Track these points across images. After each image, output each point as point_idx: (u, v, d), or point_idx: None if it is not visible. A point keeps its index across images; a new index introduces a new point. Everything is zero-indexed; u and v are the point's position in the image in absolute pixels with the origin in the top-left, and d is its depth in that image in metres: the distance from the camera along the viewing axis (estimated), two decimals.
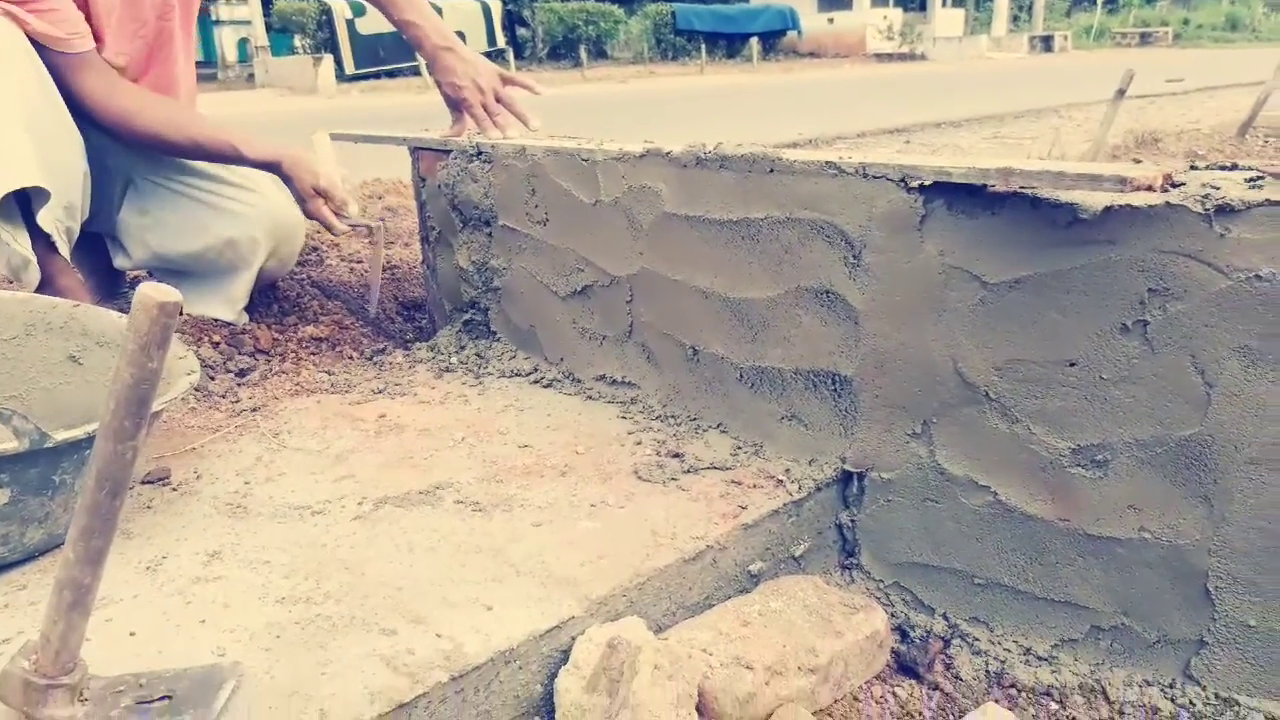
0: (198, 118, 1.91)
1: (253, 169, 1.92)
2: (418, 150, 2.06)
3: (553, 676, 1.05)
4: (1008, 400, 1.19)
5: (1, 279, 2.20)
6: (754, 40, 23.38)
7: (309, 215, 1.91)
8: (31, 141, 1.60)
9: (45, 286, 1.69)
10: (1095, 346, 1.11)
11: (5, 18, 1.64)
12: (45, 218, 1.64)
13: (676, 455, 1.44)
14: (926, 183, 1.20)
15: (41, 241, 1.67)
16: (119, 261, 2.07)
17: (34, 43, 1.68)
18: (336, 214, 1.90)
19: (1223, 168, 1.20)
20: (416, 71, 15.66)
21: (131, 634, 1.01)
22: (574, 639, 1.05)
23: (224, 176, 2.02)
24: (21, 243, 1.63)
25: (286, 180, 1.88)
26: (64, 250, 1.72)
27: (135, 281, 2.35)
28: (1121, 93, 3.89)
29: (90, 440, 1.11)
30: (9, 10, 1.65)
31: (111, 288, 2.16)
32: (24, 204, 1.64)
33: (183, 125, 1.86)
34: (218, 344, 1.89)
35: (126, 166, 1.98)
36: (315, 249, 2.55)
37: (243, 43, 21.75)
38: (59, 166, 1.68)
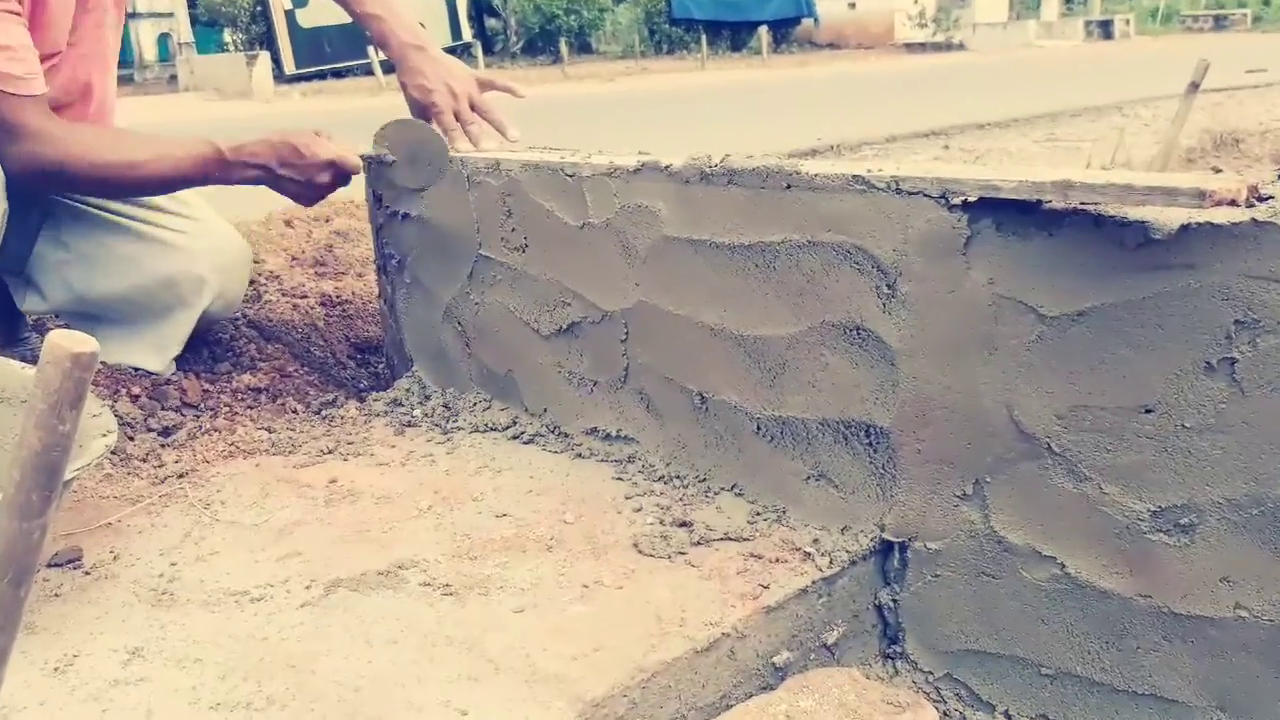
0: (162, 137, 1.89)
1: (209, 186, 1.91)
2: (374, 165, 2.07)
3: None
4: (1074, 454, 1.19)
5: None
6: (763, 30, 23.67)
7: (323, 162, 1.84)
8: None
9: None
10: (1175, 389, 1.11)
11: None
12: None
13: (683, 524, 1.44)
14: (971, 199, 1.21)
15: None
16: (30, 304, 2.07)
17: None
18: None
19: None
20: (368, 70, 15.82)
21: None
22: None
23: (160, 204, 2.03)
24: None
25: (285, 155, 1.83)
26: None
27: (38, 324, 2.35)
28: (1195, 86, 3.94)
29: None
30: None
31: (10, 334, 2.16)
32: None
33: (150, 141, 1.85)
34: (137, 398, 1.90)
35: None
36: (251, 282, 2.56)
37: (163, 39, 21.98)
38: None
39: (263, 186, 1.87)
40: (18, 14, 1.75)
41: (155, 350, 1.99)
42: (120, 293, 1.98)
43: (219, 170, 1.84)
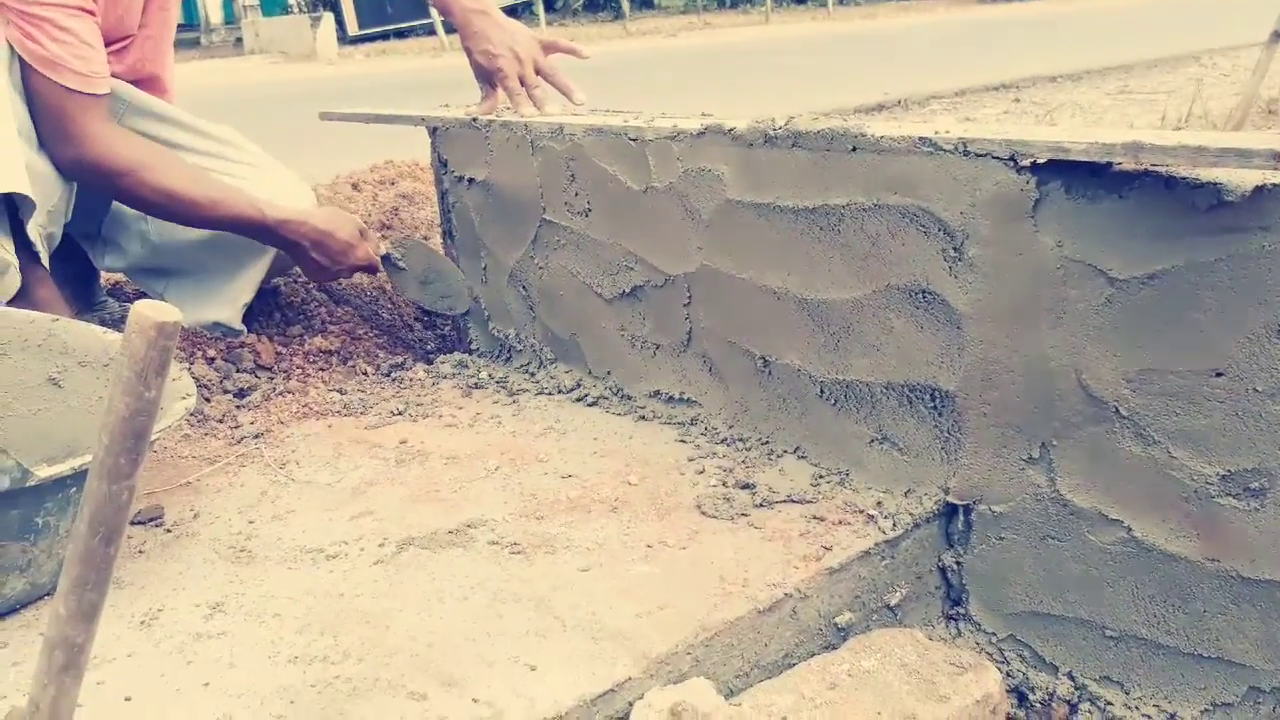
0: (211, 176, 1.96)
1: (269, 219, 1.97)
2: (438, 131, 2.10)
3: None
4: (1142, 418, 1.19)
5: None
6: None
7: (350, 264, 2.00)
8: (24, 143, 1.69)
9: (19, 298, 1.76)
10: (1247, 353, 1.10)
11: None
12: (33, 228, 1.72)
13: (746, 486, 1.46)
14: (1040, 161, 1.20)
15: (24, 250, 1.75)
16: (110, 261, 2.14)
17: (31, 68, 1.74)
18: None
19: None
20: (430, 30, 15.86)
21: (127, 699, 1.05)
22: (631, 704, 1.07)
23: (226, 153, 2.09)
24: (5, 247, 1.70)
25: (320, 235, 1.95)
26: (44, 259, 1.79)
27: (114, 289, 2.42)
28: (1277, 35, 3.83)
29: (77, 477, 1.15)
30: (21, 28, 1.71)
31: (87, 298, 2.23)
32: (9, 207, 1.72)
33: (200, 180, 1.90)
34: (213, 360, 1.95)
35: None
36: None
37: (229, 1, 22.18)
38: (45, 169, 1.75)
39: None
40: (90, 11, 1.79)
41: (228, 303, 2.05)
42: (196, 241, 2.04)
43: (258, 234, 1.95)
